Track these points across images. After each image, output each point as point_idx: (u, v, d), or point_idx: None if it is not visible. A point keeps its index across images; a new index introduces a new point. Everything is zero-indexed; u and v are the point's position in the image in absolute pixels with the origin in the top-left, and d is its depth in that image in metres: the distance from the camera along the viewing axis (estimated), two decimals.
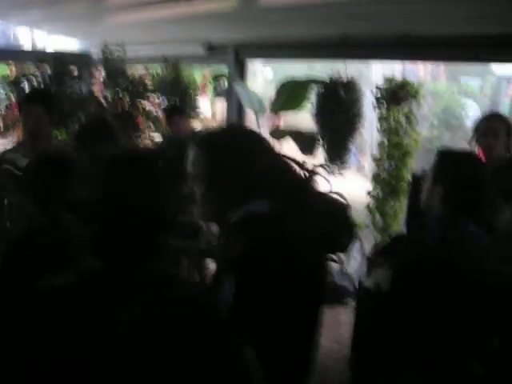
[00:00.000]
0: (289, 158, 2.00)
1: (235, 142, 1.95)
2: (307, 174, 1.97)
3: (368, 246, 5.80)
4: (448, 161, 2.69)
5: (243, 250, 1.78)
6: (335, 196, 2.04)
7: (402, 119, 5.70)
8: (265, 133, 6.03)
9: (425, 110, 6.06)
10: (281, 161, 1.99)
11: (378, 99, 5.75)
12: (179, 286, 1.80)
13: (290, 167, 1.98)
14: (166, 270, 1.86)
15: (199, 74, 8.84)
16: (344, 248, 2.12)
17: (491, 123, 3.81)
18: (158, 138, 6.94)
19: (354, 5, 4.29)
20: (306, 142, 5.69)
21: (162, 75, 7.35)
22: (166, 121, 6.07)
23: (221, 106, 8.70)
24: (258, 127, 6.16)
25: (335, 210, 2.01)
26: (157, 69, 7.53)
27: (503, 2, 3.85)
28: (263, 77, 17.13)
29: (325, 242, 1.94)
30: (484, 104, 12.19)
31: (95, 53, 7.64)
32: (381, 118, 5.80)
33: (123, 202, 1.80)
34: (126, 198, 1.81)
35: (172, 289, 1.70)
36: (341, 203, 2.04)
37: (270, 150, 1.99)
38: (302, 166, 1.98)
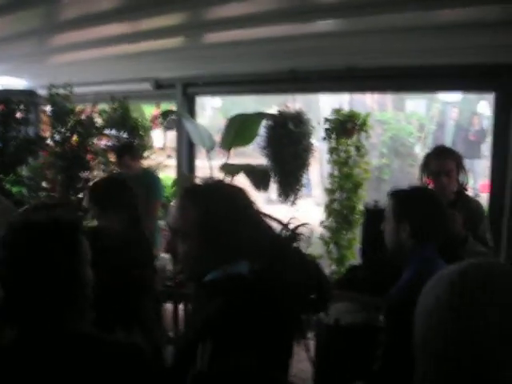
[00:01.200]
0: (271, 217, 1.99)
1: (223, 200, 1.92)
2: (288, 234, 1.96)
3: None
4: (409, 199, 2.77)
5: (219, 313, 1.75)
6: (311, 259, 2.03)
7: (352, 150, 5.77)
8: (215, 167, 6.03)
9: (373, 139, 6.14)
10: (263, 221, 1.97)
11: (326, 131, 5.82)
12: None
13: (271, 228, 1.96)
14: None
15: (150, 109, 8.84)
16: (322, 309, 2.12)
17: (443, 162, 3.83)
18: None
19: (300, 39, 4.33)
20: (258, 177, 5.69)
21: (110, 113, 7.29)
22: (117, 160, 6.02)
23: (171, 138, 8.68)
24: (209, 162, 6.15)
25: (314, 272, 1.99)
26: (105, 107, 7.47)
27: (445, 36, 3.95)
28: (211, 105, 17.20)
29: (302, 304, 1.93)
30: (431, 128, 12.45)
31: (42, 93, 7.55)
32: (330, 150, 5.87)
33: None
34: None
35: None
36: (316, 263, 2.03)
37: (254, 208, 1.98)
38: (285, 225, 1.97)
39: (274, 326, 1.78)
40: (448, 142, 13.79)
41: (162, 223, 6.17)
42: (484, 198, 3.77)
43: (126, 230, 3.39)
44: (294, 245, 1.94)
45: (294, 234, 1.94)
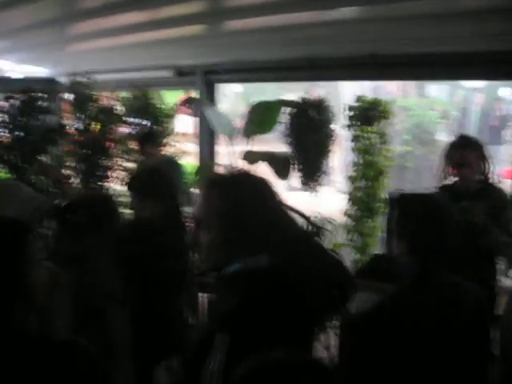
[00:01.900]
0: (295, 211, 1.98)
1: (247, 191, 1.90)
2: (312, 228, 1.94)
3: (347, 264, 5.77)
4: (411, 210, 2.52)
5: (238, 307, 1.75)
6: (333, 253, 1.99)
7: (375, 138, 5.71)
8: (237, 154, 6.00)
9: (397, 126, 6.07)
10: (287, 214, 1.94)
11: (350, 118, 5.76)
12: None
13: (295, 221, 1.94)
14: None
15: (174, 95, 8.81)
16: (344, 305, 2.07)
17: (464, 153, 3.78)
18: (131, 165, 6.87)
19: (321, 26, 4.28)
20: (280, 165, 5.65)
21: (131, 101, 7.27)
22: (140, 149, 6.02)
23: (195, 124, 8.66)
24: (230, 148, 6.12)
25: (335, 268, 1.94)
26: (126, 95, 7.46)
27: (469, 23, 3.86)
28: (233, 91, 17.18)
29: (323, 299, 1.89)
30: (454, 114, 12.31)
31: (63, 81, 7.57)
32: (353, 138, 5.80)
33: None
34: None
35: None
36: (339, 259, 1.98)
37: (278, 201, 1.95)
38: (308, 219, 1.97)
39: (293, 321, 1.76)
40: (472, 128, 13.67)
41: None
42: (507, 184, 3.70)
43: (165, 221, 3.37)
44: (317, 239, 1.92)
45: (317, 229, 1.91)
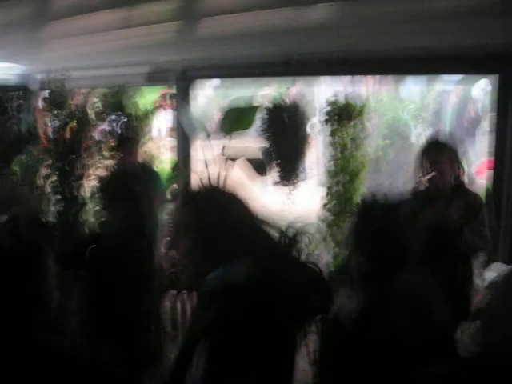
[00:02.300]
0: (270, 224, 2.05)
1: (220, 203, 2.01)
2: (287, 241, 2.00)
3: (326, 259, 5.81)
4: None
5: (215, 321, 1.80)
6: (311, 264, 2.03)
7: (353, 134, 5.75)
8: (214, 154, 6.01)
9: (369, 129, 6.13)
10: (262, 227, 2.04)
11: (328, 113, 5.79)
12: None
13: (268, 234, 2.02)
14: None
15: (154, 91, 8.77)
16: (322, 312, 2.13)
17: (436, 153, 3.84)
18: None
19: (298, 24, 4.29)
20: (258, 163, 5.67)
21: (108, 98, 7.21)
22: (118, 149, 5.97)
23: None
24: (206, 149, 6.13)
25: (311, 278, 2.01)
26: (103, 91, 7.40)
27: (445, 19, 3.91)
28: (210, 84, 17.07)
29: (299, 310, 1.94)
30: (427, 115, 12.41)
31: (38, 78, 7.49)
32: (332, 132, 5.84)
33: None
34: None
35: None
36: (316, 270, 2.03)
37: (249, 214, 2.05)
38: (282, 232, 2.01)
39: (272, 332, 1.82)
40: (445, 128, 13.82)
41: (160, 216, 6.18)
42: (480, 183, 3.79)
43: (129, 227, 3.36)
44: (292, 250, 1.97)
45: (293, 240, 1.97)
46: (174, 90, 7.17)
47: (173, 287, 4.99)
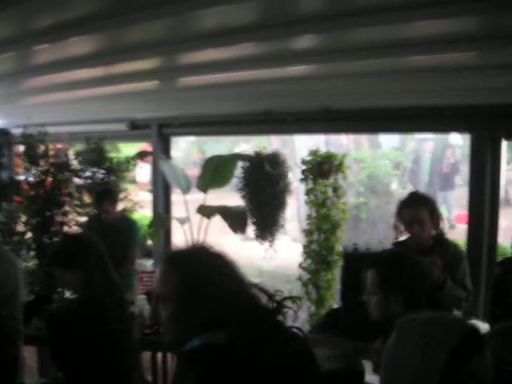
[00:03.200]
0: (259, 288, 2.00)
1: (202, 267, 1.94)
2: (274, 306, 1.96)
3: (304, 317, 5.76)
4: (394, 269, 2.81)
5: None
6: (298, 332, 1.98)
7: (329, 191, 5.76)
8: (191, 209, 5.99)
9: (350, 178, 6.15)
10: (246, 290, 1.98)
11: (303, 172, 5.80)
12: None
13: (255, 296, 1.97)
14: None
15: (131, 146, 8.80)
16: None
17: (414, 211, 3.84)
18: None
19: (275, 83, 4.33)
20: (235, 219, 5.64)
21: (85, 153, 7.19)
22: (96, 206, 5.95)
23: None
24: (185, 203, 6.12)
25: (298, 348, 1.96)
26: (80, 147, 7.39)
27: (420, 79, 3.97)
28: (185, 139, 17.17)
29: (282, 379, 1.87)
30: (407, 165, 12.56)
31: (16, 132, 7.48)
32: (308, 191, 5.84)
33: None
34: None
35: None
36: (303, 339, 1.99)
37: (237, 276, 1.99)
38: (270, 296, 1.97)
39: None
40: (424, 176, 13.97)
41: (138, 266, 6.13)
42: (459, 229, 3.80)
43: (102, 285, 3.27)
44: (279, 315, 1.94)
45: (279, 306, 1.95)
46: (151, 146, 7.19)
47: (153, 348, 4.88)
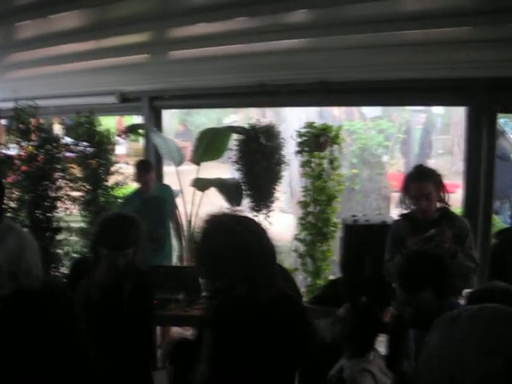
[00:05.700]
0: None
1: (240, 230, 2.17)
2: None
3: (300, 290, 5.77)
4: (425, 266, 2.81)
5: (216, 309, 2.18)
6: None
7: (325, 163, 5.73)
8: (186, 182, 5.96)
9: (344, 150, 6.13)
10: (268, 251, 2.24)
11: (299, 144, 5.76)
12: None
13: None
14: None
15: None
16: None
17: (421, 186, 3.80)
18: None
19: (269, 55, 4.27)
20: (231, 192, 5.61)
21: (75, 127, 7.08)
22: (137, 177, 5.93)
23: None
24: (178, 177, 6.08)
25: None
26: (70, 120, 7.28)
27: (416, 52, 3.93)
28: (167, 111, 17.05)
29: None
30: (398, 136, 12.58)
31: (4, 106, 7.37)
32: (303, 163, 5.81)
33: None
34: None
35: None
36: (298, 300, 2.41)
37: (260, 238, 2.22)
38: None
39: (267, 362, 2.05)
40: (415, 147, 14.02)
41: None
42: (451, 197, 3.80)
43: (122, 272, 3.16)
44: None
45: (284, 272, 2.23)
46: (142, 120, 7.11)
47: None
